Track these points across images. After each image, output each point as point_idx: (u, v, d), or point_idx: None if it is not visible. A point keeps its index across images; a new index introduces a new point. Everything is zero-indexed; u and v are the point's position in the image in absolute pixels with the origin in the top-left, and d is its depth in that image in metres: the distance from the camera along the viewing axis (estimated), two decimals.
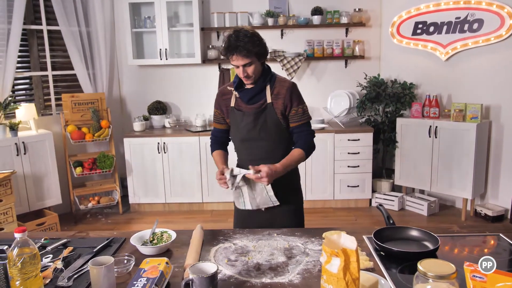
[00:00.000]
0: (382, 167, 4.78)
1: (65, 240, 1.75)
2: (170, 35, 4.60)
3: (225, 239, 1.75)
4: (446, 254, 1.58)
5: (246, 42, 1.84)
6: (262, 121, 1.99)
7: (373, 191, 4.60)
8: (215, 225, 4.20)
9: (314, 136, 2.07)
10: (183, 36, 4.79)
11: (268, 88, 1.99)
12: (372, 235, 1.64)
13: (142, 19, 4.68)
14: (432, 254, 1.54)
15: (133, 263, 1.48)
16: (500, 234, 1.73)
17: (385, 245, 1.57)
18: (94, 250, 1.63)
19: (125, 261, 1.50)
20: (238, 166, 2.10)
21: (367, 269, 1.46)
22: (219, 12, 4.69)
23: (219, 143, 2.19)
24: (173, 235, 1.70)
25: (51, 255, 1.61)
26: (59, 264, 1.52)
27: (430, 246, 1.60)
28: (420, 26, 4.45)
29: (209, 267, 1.34)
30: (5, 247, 1.37)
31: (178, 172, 4.48)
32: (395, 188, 4.69)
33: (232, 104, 2.05)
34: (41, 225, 3.80)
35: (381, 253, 1.58)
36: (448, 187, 4.17)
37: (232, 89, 2.05)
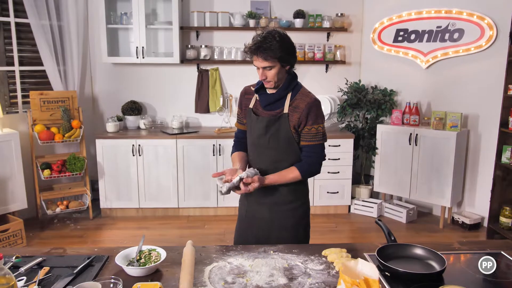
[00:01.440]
0: (361, 173, 4.76)
1: (40, 258, 1.57)
2: (147, 33, 4.41)
3: (218, 257, 1.63)
4: (452, 275, 1.51)
5: (271, 45, 1.77)
6: (274, 130, 1.90)
7: (352, 197, 4.58)
8: (192, 231, 4.04)
9: (323, 160, 1.95)
10: (161, 34, 4.61)
11: (288, 97, 1.90)
12: (376, 254, 1.56)
13: (118, 15, 4.47)
14: (439, 275, 1.47)
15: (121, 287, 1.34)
16: (502, 252, 1.69)
17: (389, 264, 1.50)
18: (75, 272, 1.47)
19: (111, 285, 1.35)
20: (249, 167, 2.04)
21: None
22: (199, 11, 4.54)
23: (241, 145, 2.10)
24: (163, 253, 1.56)
25: (24, 277, 1.44)
26: None
27: (435, 265, 1.54)
28: (401, 33, 4.46)
29: None
30: None
31: (153, 175, 4.30)
32: (373, 194, 4.68)
33: (251, 105, 1.99)
34: (5, 232, 3.53)
35: (386, 273, 1.50)
36: (427, 195, 4.19)
37: (254, 90, 1.99)
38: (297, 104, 1.88)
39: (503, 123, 3.70)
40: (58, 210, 4.13)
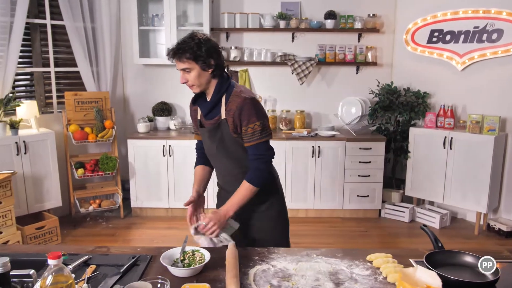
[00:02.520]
0: (392, 177, 4.67)
1: (86, 256, 1.59)
2: (178, 34, 4.43)
3: (261, 259, 1.61)
4: (505, 284, 1.45)
5: (186, 46, 1.74)
6: (218, 138, 1.86)
7: (383, 201, 4.50)
8: None
9: (269, 158, 1.87)
10: None
11: (223, 101, 1.84)
12: (424, 260, 1.51)
13: (149, 16, 4.52)
14: (492, 284, 1.42)
15: None
16: None
17: (437, 271, 1.45)
18: (121, 270, 1.47)
19: (159, 285, 1.35)
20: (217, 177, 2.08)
21: None
22: (229, 13, 4.55)
23: (202, 156, 2.07)
24: (206, 254, 1.56)
25: (73, 275, 1.45)
26: (84, 286, 1.37)
27: (487, 274, 1.48)
28: (436, 34, 4.36)
29: None
30: (31, 271, 1.21)
31: (182, 176, 4.32)
32: (404, 199, 4.59)
33: (199, 116, 1.97)
34: (41, 229, 3.61)
35: None
36: (461, 200, 4.08)
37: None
38: (230, 107, 1.81)
39: None
40: (90, 208, 4.20)
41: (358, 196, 4.37)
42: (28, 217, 3.74)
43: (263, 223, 1.98)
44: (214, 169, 2.08)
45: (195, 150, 2.13)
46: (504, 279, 1.48)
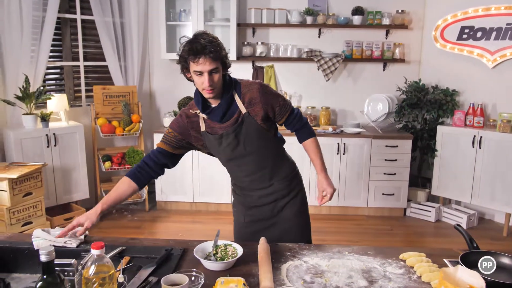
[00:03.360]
0: (418, 175, 4.60)
1: (120, 248, 1.62)
2: (205, 29, 4.45)
3: (292, 255, 1.61)
4: None
5: (213, 45, 1.63)
6: (244, 134, 1.80)
7: (409, 200, 4.44)
8: None
9: (303, 117, 1.97)
10: (218, 31, 4.65)
11: (237, 98, 1.78)
12: (459, 260, 1.49)
13: (177, 12, 4.55)
14: None
15: (203, 281, 1.35)
16: None
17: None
18: (155, 262, 1.50)
19: (193, 278, 1.37)
20: (234, 184, 2.03)
21: None
22: (256, 8, 4.54)
23: (145, 169, 1.85)
24: (239, 249, 1.57)
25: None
26: (120, 277, 1.39)
27: None
28: (466, 31, 4.26)
29: None
30: (73, 260, 1.24)
31: (207, 171, 4.35)
32: (430, 198, 4.52)
33: (203, 128, 1.82)
34: (69, 220, 3.70)
35: None
36: (489, 200, 3.99)
37: (198, 111, 1.81)
38: (250, 97, 1.78)
39: None
40: None
41: (383, 194, 4.33)
42: (57, 208, 3.84)
43: (291, 210, 1.97)
44: (231, 174, 1.99)
45: (142, 159, 1.90)
46: None
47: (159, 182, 4.38)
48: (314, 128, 4.44)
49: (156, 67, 4.81)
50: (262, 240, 1.64)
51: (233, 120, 1.78)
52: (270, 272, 1.41)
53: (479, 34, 4.19)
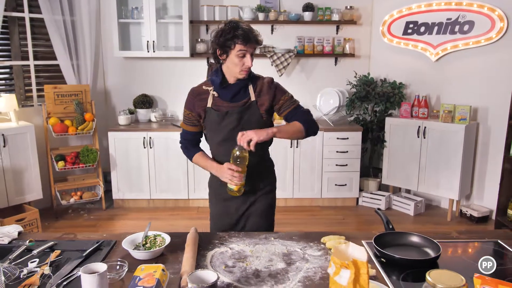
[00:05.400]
0: (369, 166, 4.78)
1: (52, 242, 1.66)
2: (158, 27, 4.48)
3: (220, 243, 1.69)
4: (447, 262, 1.55)
5: (257, 32, 1.86)
6: (246, 119, 1.94)
7: (360, 190, 4.61)
8: (201, 222, 4.12)
9: (312, 115, 2.05)
10: (171, 28, 4.67)
11: (250, 86, 1.96)
12: (373, 241, 1.61)
13: (129, 9, 4.54)
14: (434, 261, 1.51)
15: (126, 269, 1.41)
16: (499, 241, 1.72)
17: (385, 251, 1.54)
18: (84, 255, 1.55)
19: (118, 267, 1.43)
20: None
21: (370, 277, 1.42)
22: (208, 5, 4.58)
23: (194, 145, 2.10)
24: (167, 238, 1.63)
25: (37, 259, 1.52)
26: (46, 269, 1.43)
27: (431, 252, 1.57)
28: (411, 26, 4.44)
29: (209, 275, 1.28)
30: None
31: (164, 167, 4.38)
32: (381, 187, 4.70)
33: (209, 104, 1.96)
34: (21, 220, 3.65)
35: (382, 259, 1.54)
36: (434, 187, 4.19)
37: (210, 88, 1.96)
38: (261, 88, 1.96)
39: None
40: (72, 200, 4.25)
41: (336, 185, 4.48)
42: (9, 210, 3.78)
43: (264, 204, 2.07)
44: (217, 158, 2.03)
45: (183, 142, 2.11)
46: (444, 256, 1.59)
47: (116, 180, 4.38)
48: None
49: (110, 65, 4.78)
50: (192, 230, 1.71)
51: (241, 103, 1.94)
52: (192, 258, 1.48)
53: (422, 29, 4.38)
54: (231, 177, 1.84)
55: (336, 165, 4.43)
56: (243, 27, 1.81)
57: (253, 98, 1.95)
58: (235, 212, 2.05)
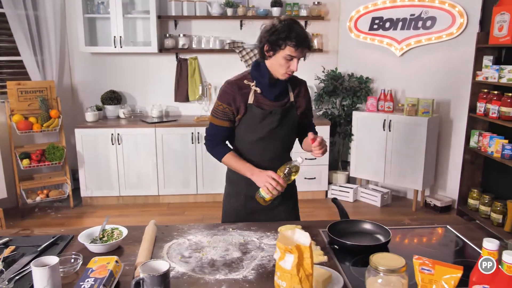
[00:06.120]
0: (338, 159, 4.86)
1: (7, 238, 1.64)
2: (125, 22, 4.43)
3: (179, 235, 1.71)
4: (397, 247, 1.61)
5: (310, 39, 1.81)
6: (287, 120, 1.91)
7: (329, 183, 4.69)
8: (172, 218, 4.12)
9: None
10: (139, 23, 4.63)
11: (289, 86, 1.94)
12: (327, 229, 1.66)
13: (95, 4, 4.48)
14: (383, 247, 1.57)
15: (81, 262, 1.41)
16: (448, 226, 1.79)
17: (339, 238, 1.59)
18: (39, 249, 1.54)
19: (72, 260, 1.43)
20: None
21: (321, 263, 1.46)
22: (176, 0, 4.56)
23: (223, 143, 1.97)
24: (124, 231, 1.64)
25: None
26: None
27: (383, 239, 1.63)
28: (376, 21, 4.54)
29: (161, 265, 1.29)
30: None
31: (133, 164, 4.36)
32: (350, 180, 4.80)
33: (251, 100, 1.87)
34: None
35: (335, 246, 1.59)
36: (400, 179, 4.31)
37: (252, 84, 1.86)
38: (299, 90, 1.96)
39: (472, 109, 3.82)
40: (38, 199, 4.17)
41: (305, 178, 4.54)
42: None
43: (287, 206, 2.11)
44: (245, 156, 1.95)
45: (211, 139, 1.96)
46: (394, 241, 1.65)
47: (84, 177, 4.32)
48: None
49: (76, 61, 4.71)
50: (150, 222, 1.73)
51: (283, 103, 1.91)
52: (148, 250, 1.49)
53: (387, 25, 4.48)
54: (272, 188, 1.74)
55: (306, 158, 4.47)
56: (297, 30, 1.73)
57: (292, 99, 1.92)
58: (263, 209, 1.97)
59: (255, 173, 1.84)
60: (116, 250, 1.57)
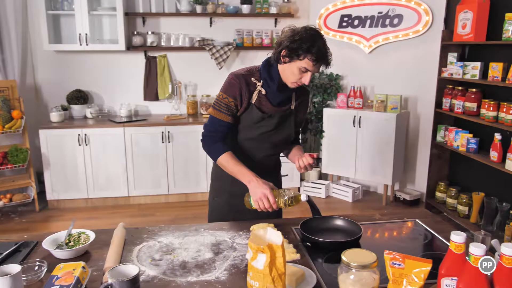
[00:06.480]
0: None
1: None
2: (90, 19, 4.30)
3: (149, 237, 1.67)
4: (368, 242, 1.63)
5: (330, 57, 1.72)
6: (282, 126, 1.88)
7: (301, 179, 4.71)
8: (143, 219, 4.04)
9: None
10: (106, 20, 4.51)
11: (294, 94, 1.89)
12: (299, 227, 1.65)
13: (58, 0, 4.33)
14: (355, 242, 1.58)
15: (45, 269, 1.35)
16: (417, 220, 1.83)
17: (311, 235, 1.59)
18: (0, 257, 1.46)
19: (36, 268, 1.36)
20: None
21: (294, 261, 1.46)
22: None
23: (223, 140, 1.83)
24: (92, 235, 1.58)
25: None
26: None
27: (354, 234, 1.64)
28: (345, 19, 4.58)
29: (130, 269, 1.26)
30: None
31: (101, 165, 4.24)
32: (322, 176, 4.84)
33: (253, 100, 1.81)
34: None
35: (308, 244, 1.59)
36: (370, 174, 4.38)
37: (259, 83, 1.80)
38: (302, 99, 1.93)
39: (438, 104, 3.92)
40: (0, 203, 4.01)
41: None
42: None
43: None
44: (245, 152, 1.89)
45: (210, 134, 1.83)
46: (366, 236, 1.67)
47: (49, 180, 4.18)
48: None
49: (40, 60, 4.54)
50: (119, 225, 1.68)
51: (284, 109, 1.87)
52: (116, 254, 1.45)
53: (356, 22, 4.53)
54: (263, 207, 1.68)
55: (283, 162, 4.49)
56: (320, 45, 1.66)
57: (293, 106, 1.89)
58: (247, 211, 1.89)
59: (252, 183, 1.70)
60: (83, 255, 1.52)
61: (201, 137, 1.87)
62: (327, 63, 1.71)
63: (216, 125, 1.81)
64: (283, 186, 2.08)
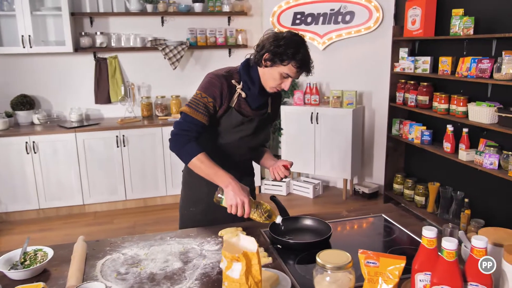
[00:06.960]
0: None
1: None
2: (33, 20, 4.06)
3: (112, 249, 1.58)
4: (338, 240, 1.63)
5: (312, 64, 1.70)
6: (261, 130, 1.85)
7: (262, 178, 4.71)
8: (100, 228, 3.88)
9: None
10: (50, 21, 4.27)
11: (269, 98, 1.87)
12: (269, 229, 1.63)
13: None
14: (325, 242, 1.57)
15: None
16: (382, 215, 1.85)
17: (281, 237, 1.57)
18: None
19: None
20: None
21: (266, 265, 1.43)
22: None
23: (196, 140, 1.70)
24: (50, 252, 1.48)
25: None
26: None
27: (324, 233, 1.64)
28: (299, 16, 4.61)
29: (96, 286, 1.18)
30: None
31: (52, 173, 4.03)
32: None
33: (233, 103, 1.74)
34: None
35: (278, 246, 1.57)
36: (330, 169, 4.44)
37: (239, 86, 1.73)
38: (276, 103, 1.93)
39: (392, 98, 4.03)
40: None
41: None
42: None
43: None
44: (219, 155, 1.78)
45: (184, 133, 1.68)
46: (336, 234, 1.67)
47: None
48: (165, 117, 4.42)
49: None
50: (79, 239, 1.58)
51: (261, 112, 1.84)
52: (78, 270, 1.36)
53: (309, 19, 4.58)
54: (235, 212, 1.60)
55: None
56: (304, 52, 1.64)
57: (269, 110, 1.87)
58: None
59: (231, 187, 1.60)
60: (42, 275, 1.41)
61: (169, 136, 1.72)
62: (309, 71, 1.69)
63: (191, 124, 1.69)
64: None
